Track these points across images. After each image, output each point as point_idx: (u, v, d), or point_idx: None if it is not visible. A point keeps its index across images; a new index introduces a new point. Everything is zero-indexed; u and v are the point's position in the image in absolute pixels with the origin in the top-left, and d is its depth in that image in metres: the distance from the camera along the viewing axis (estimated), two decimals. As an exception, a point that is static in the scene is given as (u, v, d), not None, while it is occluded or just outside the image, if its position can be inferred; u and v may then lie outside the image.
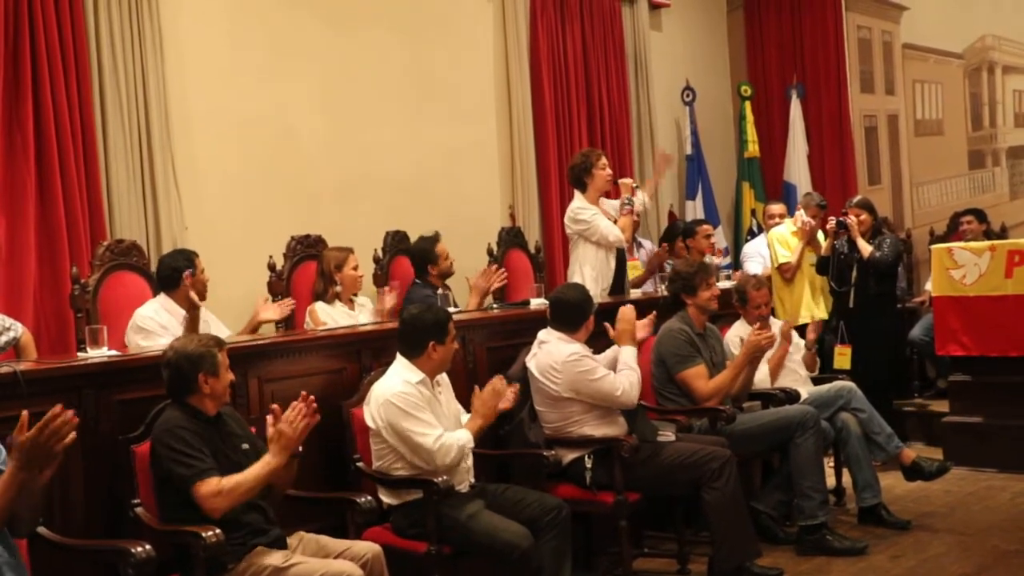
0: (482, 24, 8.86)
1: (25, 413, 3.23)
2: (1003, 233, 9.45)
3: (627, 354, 5.55)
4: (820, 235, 8.46)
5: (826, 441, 6.35)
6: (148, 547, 3.69)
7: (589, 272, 7.22)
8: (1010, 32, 10.12)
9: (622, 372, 5.48)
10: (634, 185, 7.53)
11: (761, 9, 11.21)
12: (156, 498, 4.01)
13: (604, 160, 7.34)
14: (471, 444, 4.69)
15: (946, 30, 10.42)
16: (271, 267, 6.74)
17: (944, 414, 8.16)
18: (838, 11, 10.80)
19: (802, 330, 7.44)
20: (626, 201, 7.30)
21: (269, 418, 4.05)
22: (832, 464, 6.77)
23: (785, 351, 6.72)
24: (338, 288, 6.46)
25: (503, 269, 7.27)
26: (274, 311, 6.30)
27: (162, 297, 5.73)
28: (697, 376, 6.02)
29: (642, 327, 5.83)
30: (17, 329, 5.35)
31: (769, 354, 6.52)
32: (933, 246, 8.45)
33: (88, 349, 4.58)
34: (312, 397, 4.11)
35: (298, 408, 4.02)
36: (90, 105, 6.38)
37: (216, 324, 5.80)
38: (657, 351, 6.18)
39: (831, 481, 6.66)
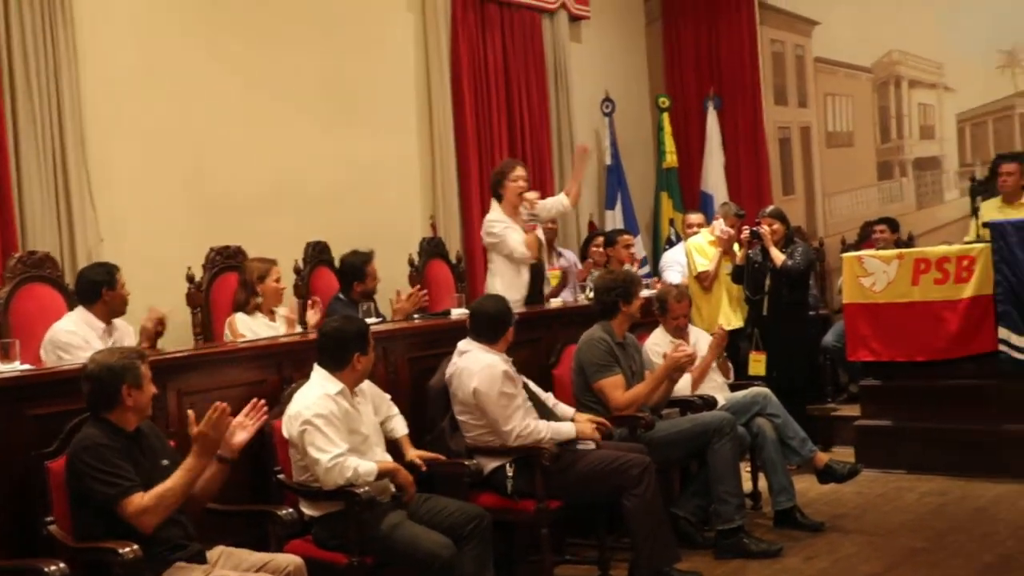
0: (403, 36, 8.85)
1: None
2: (910, 242, 9.61)
3: (567, 428, 5.52)
4: (735, 245, 8.55)
5: (742, 446, 6.41)
6: (62, 565, 3.65)
7: (499, 283, 7.19)
8: (915, 48, 10.31)
9: (544, 422, 5.47)
10: (537, 201, 7.36)
11: (678, 22, 11.31)
12: (72, 515, 3.93)
13: (518, 171, 7.28)
14: (371, 476, 4.57)
15: (856, 45, 10.60)
16: (190, 279, 6.65)
17: (855, 418, 8.28)
18: (752, 25, 10.95)
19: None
20: (528, 217, 7.21)
21: (191, 415, 4.05)
22: (748, 469, 6.82)
23: (710, 362, 6.75)
24: (259, 300, 6.39)
25: (424, 291, 7.24)
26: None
27: (80, 310, 5.62)
28: (614, 386, 6.03)
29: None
30: None
31: (696, 364, 6.56)
32: (844, 254, 8.56)
33: (1, 363, 4.47)
34: (263, 402, 4.14)
35: (220, 408, 3.99)
36: (1, 116, 6.26)
37: (132, 338, 5.71)
38: (577, 359, 6.19)
39: (747, 485, 6.73)
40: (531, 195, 7.15)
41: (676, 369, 6.15)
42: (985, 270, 7.61)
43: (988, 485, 7.24)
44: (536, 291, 7.17)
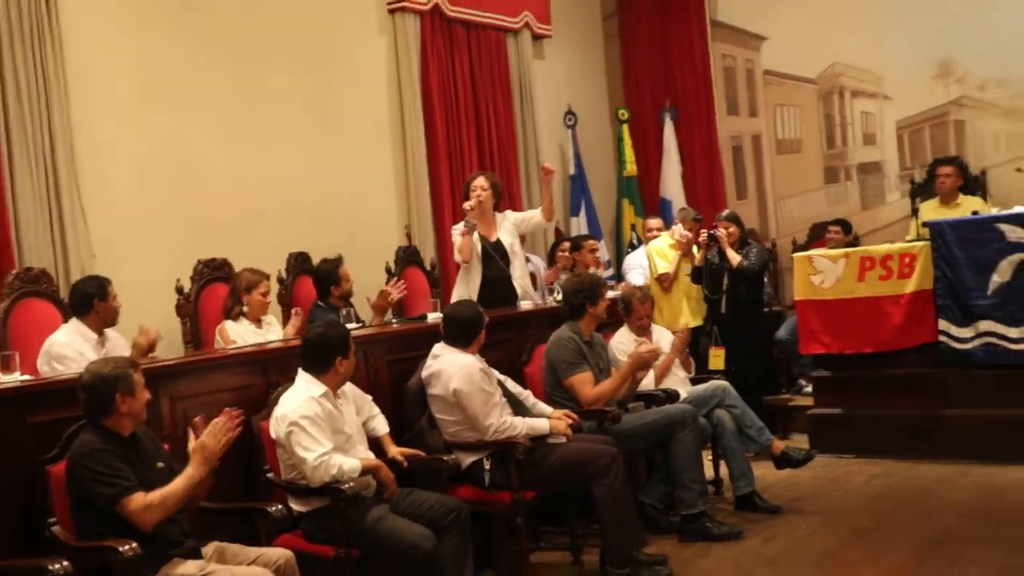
0: (375, 57, 8.84)
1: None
2: (856, 241, 9.65)
3: (540, 424, 5.53)
4: (694, 247, 8.59)
5: (704, 436, 6.44)
6: (66, 563, 3.65)
7: (457, 288, 7.19)
8: (857, 60, 10.37)
9: (520, 419, 5.49)
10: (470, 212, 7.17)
11: (635, 39, 11.32)
12: (73, 516, 3.92)
13: (477, 180, 7.21)
14: (355, 473, 4.59)
15: (801, 58, 10.65)
16: (179, 290, 6.64)
17: (808, 407, 8.34)
18: (704, 41, 10.98)
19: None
20: (465, 225, 7.11)
21: (191, 432, 4.02)
22: (710, 457, 6.83)
23: (673, 359, 6.79)
24: (244, 308, 6.41)
25: (402, 281, 7.24)
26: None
27: (74, 322, 5.63)
28: (583, 382, 6.05)
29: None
30: None
31: (659, 361, 6.60)
32: (795, 254, 8.60)
33: (0, 374, 4.47)
34: (239, 411, 4.10)
35: (221, 422, 4.00)
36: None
37: (123, 346, 5.70)
38: (548, 357, 6.20)
39: (709, 473, 6.74)
40: (466, 205, 7.12)
41: (641, 366, 6.20)
42: (925, 267, 7.68)
43: (930, 467, 7.30)
44: (499, 296, 7.03)
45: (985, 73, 9.83)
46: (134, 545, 3.71)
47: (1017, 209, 7.71)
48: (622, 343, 6.64)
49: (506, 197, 7.60)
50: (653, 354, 6.23)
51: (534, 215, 7.38)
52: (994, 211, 8.05)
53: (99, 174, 6.78)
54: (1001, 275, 7.41)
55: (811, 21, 10.44)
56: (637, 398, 6.38)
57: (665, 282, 8.51)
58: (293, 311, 6.64)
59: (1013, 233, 7.39)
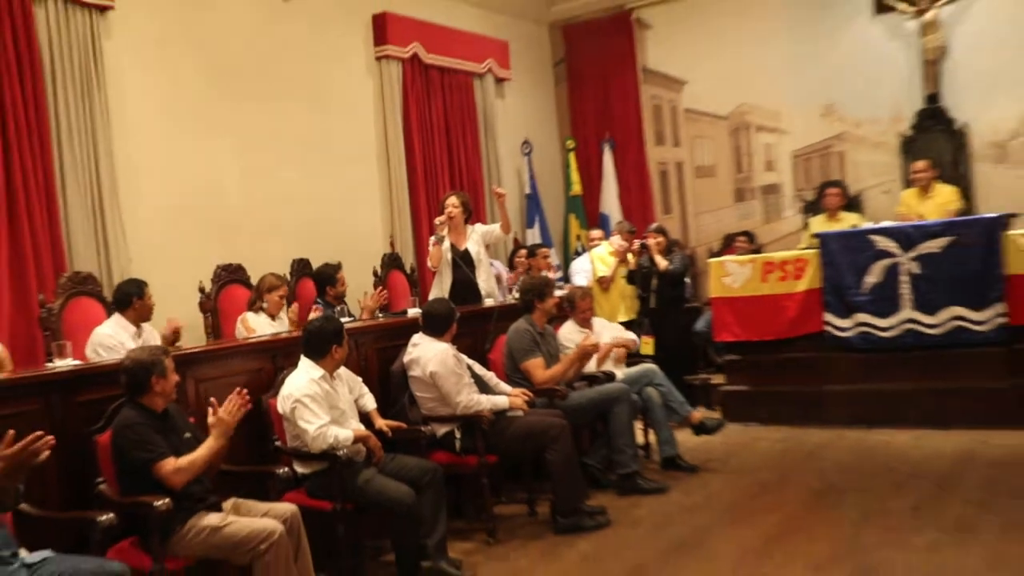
0: (365, 96, 8.82)
1: (11, 432, 3.17)
2: (759, 249, 9.62)
3: (502, 401, 5.55)
4: (629, 254, 8.65)
5: (636, 410, 6.46)
6: (111, 515, 3.68)
7: (433, 289, 7.16)
8: (760, 101, 10.40)
9: (485, 396, 5.51)
10: (442, 228, 7.12)
11: (581, 83, 11.31)
12: (116, 477, 3.94)
13: (449, 199, 7.15)
14: (348, 442, 4.59)
15: (715, 99, 10.66)
16: (201, 290, 6.62)
17: (721, 384, 8.39)
18: (636, 84, 10.98)
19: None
20: (435, 237, 7.08)
21: (210, 409, 4.04)
22: (641, 427, 6.85)
23: (610, 348, 6.79)
24: (264, 305, 6.43)
25: (385, 291, 7.26)
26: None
27: (116, 316, 5.62)
28: (536, 366, 6.08)
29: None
30: None
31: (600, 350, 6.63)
32: (711, 260, 8.62)
33: (55, 360, 4.47)
34: (246, 391, 4.11)
35: (233, 400, 4.02)
36: (51, 165, 6.22)
37: (156, 338, 5.68)
38: (507, 345, 6.22)
39: (641, 439, 6.78)
40: (437, 220, 7.08)
41: (585, 355, 6.25)
42: (815, 270, 7.76)
43: (817, 432, 7.38)
44: (466, 296, 6.93)
45: (860, 114, 9.89)
46: (167, 501, 3.75)
47: (885, 224, 7.87)
48: (568, 333, 6.65)
49: (474, 213, 7.60)
50: (594, 347, 6.28)
51: (495, 229, 7.35)
52: (868, 225, 8.13)
53: (136, 193, 6.75)
54: (873, 277, 7.52)
55: (723, 69, 10.46)
56: (582, 379, 6.40)
57: (604, 283, 8.55)
58: (313, 307, 6.59)
59: (882, 243, 7.51)
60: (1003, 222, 7.36)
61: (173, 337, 5.79)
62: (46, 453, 3.17)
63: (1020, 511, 5.07)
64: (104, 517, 3.65)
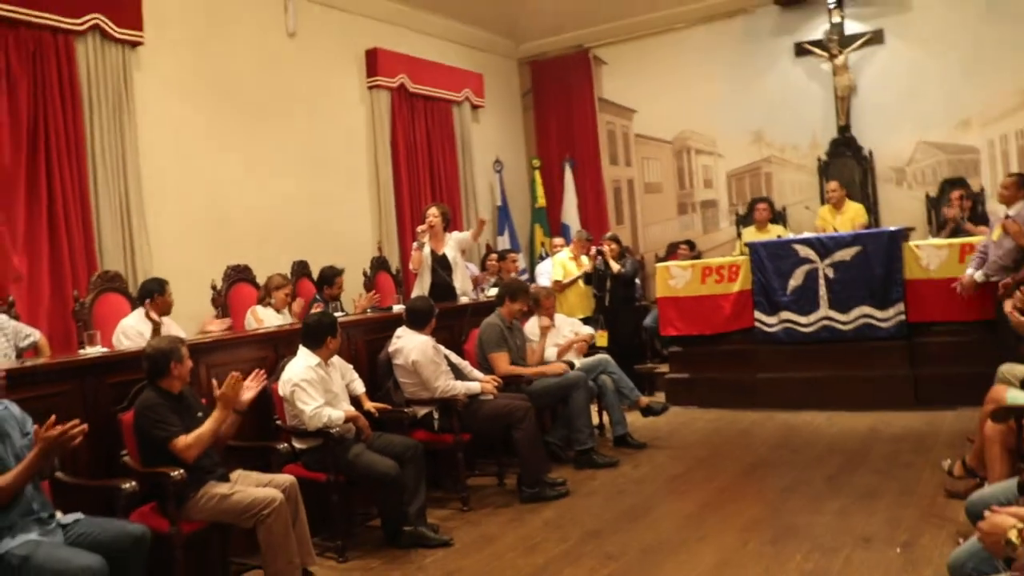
0: (357, 120, 8.80)
1: (53, 417, 3.20)
2: (699, 256, 9.74)
3: (475, 386, 5.54)
4: (584, 258, 8.69)
5: (592, 394, 6.49)
6: (134, 483, 3.68)
7: (415, 288, 7.13)
8: (699, 128, 10.41)
9: (460, 382, 5.51)
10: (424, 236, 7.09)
11: (545, 110, 11.30)
12: (138, 450, 3.93)
13: (429, 210, 7.15)
14: (340, 421, 4.60)
15: (661, 126, 10.67)
16: (213, 287, 6.59)
17: (666, 373, 8.42)
18: (594, 112, 10.97)
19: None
20: (417, 244, 7.07)
21: (215, 382, 4.07)
22: (596, 409, 6.88)
23: (571, 344, 6.82)
24: (272, 301, 6.42)
25: (377, 294, 7.25)
26: (216, 326, 6.20)
27: (140, 310, 5.59)
28: (499, 359, 6.07)
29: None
30: (36, 335, 5.15)
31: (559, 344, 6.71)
32: (657, 264, 8.65)
33: (87, 348, 4.46)
34: (264, 371, 4.16)
35: (234, 375, 4.03)
36: (86, 178, 6.22)
37: (176, 329, 5.65)
38: (479, 337, 6.22)
39: (596, 420, 6.80)
40: (419, 228, 7.06)
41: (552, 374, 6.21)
42: (746, 274, 7.79)
43: (748, 413, 7.42)
44: (443, 296, 6.86)
45: (784, 140, 9.95)
46: (182, 471, 3.76)
47: (805, 235, 7.93)
48: (533, 327, 6.68)
49: (451, 222, 7.59)
50: (559, 374, 6.23)
51: (467, 236, 7.32)
52: (791, 236, 8.19)
53: (158, 203, 6.71)
54: (796, 280, 7.58)
55: (668, 101, 10.48)
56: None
57: (558, 286, 8.57)
58: (314, 303, 6.61)
59: (803, 251, 7.58)
60: (902, 234, 7.48)
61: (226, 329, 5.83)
62: (80, 438, 3.21)
63: (914, 479, 5.15)
64: (128, 485, 3.65)
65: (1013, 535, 2.19)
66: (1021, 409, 3.82)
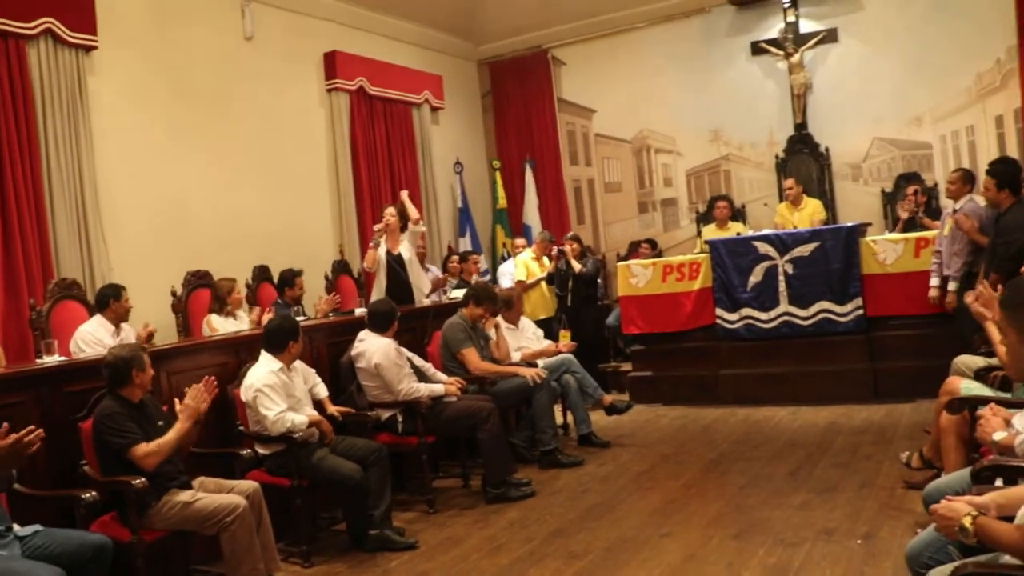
0: (317, 123, 8.75)
1: (6, 425, 3.14)
2: (660, 254, 9.77)
3: (438, 388, 5.53)
4: (546, 259, 8.72)
5: (555, 394, 6.50)
6: (94, 493, 3.65)
7: (374, 290, 7.11)
8: (658, 127, 10.48)
9: (423, 384, 5.49)
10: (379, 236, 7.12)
11: (505, 111, 11.31)
12: (97, 459, 3.89)
13: (387, 210, 7.15)
14: (303, 426, 4.58)
15: (620, 125, 10.73)
16: (173, 293, 6.52)
17: (629, 371, 8.46)
18: (554, 112, 11.00)
19: (538, 323, 7.64)
20: (373, 242, 7.06)
21: (176, 400, 4.02)
22: (561, 408, 6.91)
23: (541, 352, 6.86)
24: (228, 307, 6.36)
25: (338, 296, 7.22)
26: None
27: (98, 316, 5.54)
28: (471, 354, 6.09)
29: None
30: None
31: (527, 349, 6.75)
32: (619, 263, 8.71)
33: (44, 357, 4.41)
34: (214, 379, 4.10)
35: (198, 388, 4.00)
36: (41, 184, 6.14)
37: (133, 336, 5.59)
38: (443, 337, 6.20)
39: (560, 419, 6.86)
40: (375, 227, 7.04)
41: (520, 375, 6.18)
42: (707, 271, 7.86)
43: (710, 410, 7.49)
44: (400, 295, 6.82)
45: (742, 138, 10.05)
46: (143, 480, 3.72)
47: (765, 231, 8.04)
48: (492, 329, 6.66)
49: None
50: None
51: (414, 229, 7.17)
52: (750, 233, 8.26)
53: (115, 209, 6.63)
54: (755, 277, 7.67)
55: (627, 100, 10.54)
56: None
57: (527, 285, 8.61)
58: (266, 310, 6.58)
59: (762, 248, 7.68)
60: (859, 230, 7.59)
61: (147, 338, 5.70)
62: (37, 445, 3.15)
63: (874, 471, 5.24)
64: (87, 494, 3.62)
65: (967, 521, 2.25)
66: (975, 400, 3.91)
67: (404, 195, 7.34)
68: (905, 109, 9.29)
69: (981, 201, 6.16)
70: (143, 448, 3.79)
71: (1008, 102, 8.85)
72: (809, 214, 8.63)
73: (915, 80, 9.18)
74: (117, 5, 6.81)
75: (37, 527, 3.32)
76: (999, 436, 2.96)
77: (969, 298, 4.61)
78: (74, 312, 5.75)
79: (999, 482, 2.81)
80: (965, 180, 6.31)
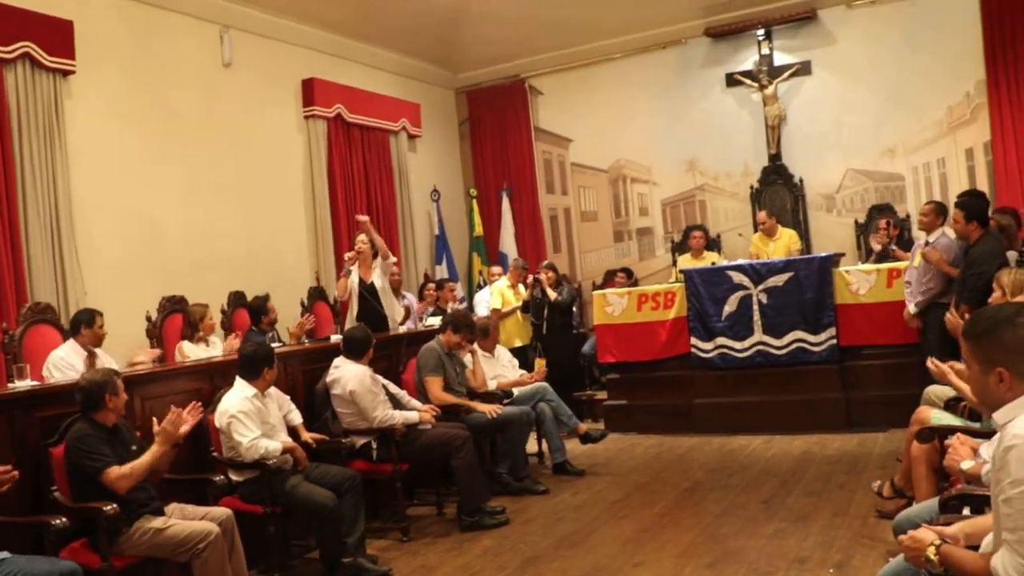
0: (295, 149, 8.78)
1: None
2: (636, 283, 9.85)
3: (413, 415, 5.54)
4: (521, 287, 8.76)
5: (530, 422, 6.51)
6: (64, 519, 3.63)
7: (348, 318, 7.07)
8: (634, 157, 10.59)
9: (398, 411, 5.49)
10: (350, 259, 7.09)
11: (482, 139, 11.38)
12: (69, 485, 3.86)
13: (360, 237, 7.08)
14: (277, 453, 4.57)
15: (596, 155, 10.83)
16: (148, 318, 6.50)
17: (604, 400, 8.48)
18: (530, 141, 11.08)
19: (514, 351, 7.66)
20: (345, 270, 7.05)
21: (154, 420, 4.01)
22: (536, 437, 6.91)
23: (517, 381, 6.88)
24: (200, 333, 6.34)
25: (312, 316, 7.22)
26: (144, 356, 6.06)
27: (71, 341, 5.53)
28: (433, 383, 6.05)
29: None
30: None
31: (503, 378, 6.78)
32: (595, 292, 8.74)
33: (16, 381, 4.38)
34: (200, 404, 4.09)
35: (176, 412, 3.99)
36: (15, 207, 6.14)
37: (109, 361, 5.56)
38: (418, 360, 6.20)
39: (535, 448, 6.86)
40: (347, 255, 7.06)
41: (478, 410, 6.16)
42: (682, 300, 7.92)
43: (685, 439, 7.52)
44: (373, 323, 6.64)
45: (717, 168, 10.18)
46: (114, 506, 3.70)
47: (740, 261, 8.11)
48: (468, 358, 6.65)
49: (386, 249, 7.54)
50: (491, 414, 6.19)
51: (383, 261, 7.11)
52: (725, 262, 8.36)
53: (91, 234, 6.62)
54: (730, 306, 7.74)
55: (603, 130, 10.65)
56: (484, 396, 6.42)
57: (503, 313, 8.64)
58: (233, 335, 6.58)
59: (736, 277, 7.75)
60: (833, 260, 7.71)
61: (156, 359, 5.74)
62: (9, 485, 3.16)
63: (847, 500, 5.30)
64: (58, 521, 3.59)
65: (931, 552, 2.29)
66: (945, 429, 3.98)
67: (364, 220, 7.22)
68: (878, 141, 9.47)
69: (952, 234, 6.28)
70: (116, 471, 3.78)
71: (978, 135, 9.05)
72: (785, 244, 8.74)
73: (888, 112, 9.37)
74: (95, 30, 6.84)
75: (5, 554, 3.30)
76: (966, 465, 3.02)
77: (948, 317, 4.73)
78: (47, 336, 5.72)
79: (967, 511, 2.86)
80: (938, 212, 6.43)
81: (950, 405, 4.49)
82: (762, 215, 8.98)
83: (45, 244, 6.25)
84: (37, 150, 6.26)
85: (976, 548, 2.31)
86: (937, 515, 2.89)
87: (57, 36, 6.42)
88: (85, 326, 5.51)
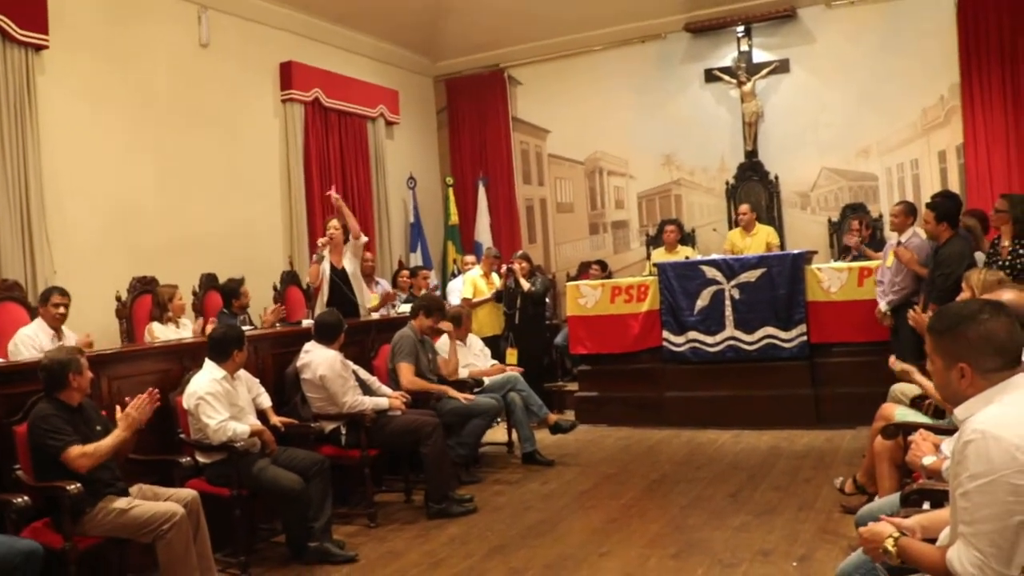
0: (271, 133, 8.74)
1: None
2: (610, 275, 9.83)
3: (383, 402, 5.54)
4: (495, 276, 8.76)
5: (499, 411, 6.52)
6: (26, 498, 3.61)
7: (319, 302, 7.04)
8: (611, 149, 10.63)
9: (368, 397, 5.50)
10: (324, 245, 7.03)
11: (460, 128, 11.39)
12: (32, 464, 3.83)
13: (332, 223, 7.05)
14: (245, 435, 4.56)
15: (573, 146, 10.86)
16: (118, 298, 6.45)
17: (575, 391, 8.52)
18: (508, 131, 11.10)
19: (486, 341, 7.67)
20: (316, 256, 7.01)
21: (118, 407, 3.97)
22: (506, 426, 6.95)
23: (487, 370, 6.91)
24: (169, 314, 6.29)
25: (283, 306, 7.18)
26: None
27: (39, 320, 5.49)
28: (405, 369, 6.04)
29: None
30: None
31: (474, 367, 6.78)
32: (568, 283, 8.74)
33: (-21, 359, 4.33)
34: (157, 391, 4.05)
35: (142, 398, 3.95)
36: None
37: (73, 339, 5.50)
38: (393, 346, 6.17)
39: (505, 437, 6.88)
40: (320, 241, 7.03)
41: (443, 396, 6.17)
42: (655, 294, 7.96)
43: (655, 431, 7.58)
44: (344, 308, 6.55)
45: (693, 163, 10.23)
46: (78, 485, 3.67)
47: (713, 256, 8.17)
48: (444, 344, 6.70)
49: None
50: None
51: (355, 242, 7.10)
52: (699, 257, 8.41)
53: (61, 211, 6.56)
54: (703, 300, 7.78)
55: (581, 122, 10.68)
56: (456, 383, 6.42)
57: (467, 303, 8.63)
58: (210, 320, 6.53)
59: (710, 272, 7.79)
60: (805, 257, 7.77)
61: (86, 346, 5.63)
62: None
63: (812, 495, 5.35)
64: (19, 499, 3.57)
65: (889, 544, 2.33)
66: (909, 426, 4.03)
67: (335, 197, 7.15)
68: (853, 141, 9.55)
69: (923, 234, 6.35)
70: (77, 449, 3.75)
71: (951, 138, 9.15)
72: (763, 240, 8.75)
73: (863, 113, 9.45)
74: (69, 5, 6.75)
75: (-35, 531, 3.27)
76: (928, 461, 3.06)
77: (911, 315, 4.78)
78: (14, 314, 5.68)
79: (927, 505, 2.90)
80: (907, 213, 6.50)
81: (916, 402, 4.55)
82: (744, 207, 9.00)
83: (14, 221, 6.18)
84: (7, 124, 6.19)
85: (933, 541, 2.35)
86: (899, 509, 2.93)
87: (30, 9, 6.33)
88: (40, 304, 5.46)
